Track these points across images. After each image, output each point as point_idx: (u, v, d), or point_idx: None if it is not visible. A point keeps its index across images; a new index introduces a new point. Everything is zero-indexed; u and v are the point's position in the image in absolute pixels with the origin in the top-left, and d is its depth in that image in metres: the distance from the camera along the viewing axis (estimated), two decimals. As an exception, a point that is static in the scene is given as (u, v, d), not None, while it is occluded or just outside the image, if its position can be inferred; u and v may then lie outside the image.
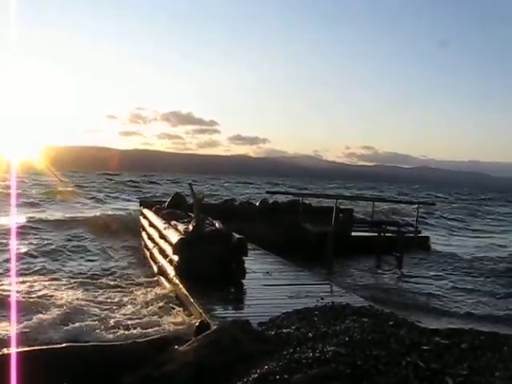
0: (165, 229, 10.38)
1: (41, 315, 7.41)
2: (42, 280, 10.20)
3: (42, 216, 21.09)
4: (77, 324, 7.14)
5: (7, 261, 11.80)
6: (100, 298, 8.80)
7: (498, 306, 10.43)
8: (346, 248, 14.21)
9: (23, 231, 16.71)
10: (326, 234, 13.30)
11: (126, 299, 8.66)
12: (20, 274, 10.56)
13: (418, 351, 4.20)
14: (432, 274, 13.56)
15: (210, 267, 8.31)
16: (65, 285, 9.83)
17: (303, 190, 56.45)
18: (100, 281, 10.39)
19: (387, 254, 14.97)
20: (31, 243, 14.83)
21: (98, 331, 6.83)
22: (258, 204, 17.91)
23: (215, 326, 5.09)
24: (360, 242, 15.74)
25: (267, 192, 24.25)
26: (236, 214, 15.01)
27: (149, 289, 9.49)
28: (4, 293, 8.76)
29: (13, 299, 8.24)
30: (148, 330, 6.82)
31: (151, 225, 12.64)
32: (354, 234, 16.34)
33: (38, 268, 11.40)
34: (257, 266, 9.84)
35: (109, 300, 8.67)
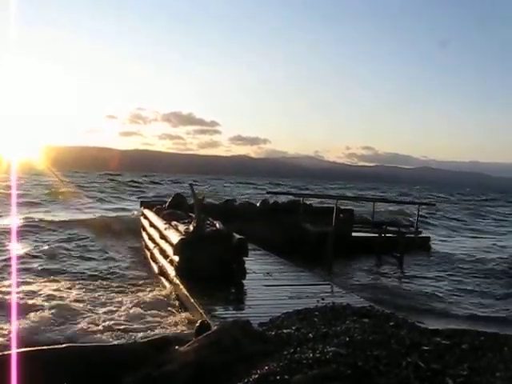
0: (165, 229, 10.38)
1: (41, 316, 7.40)
2: (42, 281, 10.19)
3: (43, 217, 21.09)
4: (77, 325, 7.14)
5: (7, 261, 11.80)
6: (100, 299, 8.79)
7: (499, 306, 10.41)
8: (347, 248, 14.20)
9: (23, 232, 16.72)
10: (326, 235, 13.30)
11: (126, 300, 8.65)
12: (20, 274, 10.55)
13: (418, 352, 4.20)
14: (432, 274, 13.54)
15: (210, 268, 8.31)
16: (65, 285, 9.81)
17: (304, 191, 56.44)
18: (100, 281, 10.38)
19: (387, 254, 14.96)
20: (31, 244, 14.84)
21: (98, 332, 6.83)
22: (258, 204, 17.90)
23: (216, 327, 5.08)
24: (360, 242, 15.73)
25: (268, 192, 24.27)
26: (236, 215, 15.01)
27: (149, 289, 9.49)
28: (4, 294, 8.75)
29: (13, 300, 8.24)
30: (148, 331, 6.82)
31: (152, 225, 12.65)
32: (354, 234, 16.34)
33: (38, 269, 11.40)
34: (257, 267, 9.84)
35: (109, 300, 8.66)
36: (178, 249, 8.72)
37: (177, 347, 4.49)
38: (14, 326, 6.78)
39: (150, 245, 12.28)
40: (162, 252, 10.38)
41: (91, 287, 9.71)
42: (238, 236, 8.93)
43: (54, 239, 15.98)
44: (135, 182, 61.65)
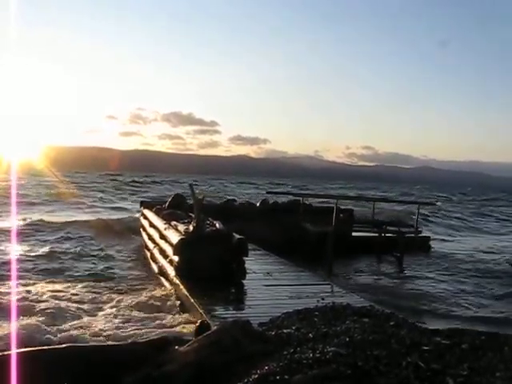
0: (165, 229, 10.37)
1: (40, 317, 7.40)
2: (41, 281, 10.20)
3: (43, 217, 21.08)
4: (77, 325, 7.14)
5: (7, 262, 11.79)
6: (100, 299, 8.79)
7: (499, 306, 10.42)
8: (347, 248, 14.19)
9: (24, 232, 16.72)
10: (326, 234, 13.29)
11: (126, 300, 8.64)
12: (20, 275, 10.55)
13: (418, 351, 4.20)
14: (432, 274, 13.54)
15: (210, 268, 8.31)
16: (64, 286, 9.81)
17: (305, 191, 56.38)
18: (100, 282, 10.37)
19: (387, 254, 14.96)
20: (31, 244, 14.84)
21: (98, 332, 6.82)
22: (258, 204, 17.90)
23: (216, 327, 5.08)
24: (360, 242, 15.74)
25: (267, 192, 24.26)
26: (236, 215, 15.01)
27: (149, 289, 9.48)
28: (3, 294, 8.75)
29: (12, 301, 8.23)
30: (148, 331, 6.81)
31: (152, 225, 12.64)
32: (354, 234, 16.34)
33: (38, 269, 11.41)
34: (257, 267, 9.84)
35: (109, 301, 8.65)
36: (177, 249, 8.71)
37: (177, 347, 4.49)
38: (14, 326, 6.78)
39: (150, 245, 12.28)
40: (162, 252, 10.38)
41: (91, 287, 9.71)
42: (237, 236, 8.92)
43: (54, 240, 15.98)
44: (136, 181, 61.62)
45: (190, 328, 6.52)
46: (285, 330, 5.01)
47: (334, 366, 3.76)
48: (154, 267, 10.91)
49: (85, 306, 8.26)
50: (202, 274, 8.14)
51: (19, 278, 10.21)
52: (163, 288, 9.34)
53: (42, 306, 8.04)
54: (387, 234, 15.44)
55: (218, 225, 9.73)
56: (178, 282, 8.43)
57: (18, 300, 8.28)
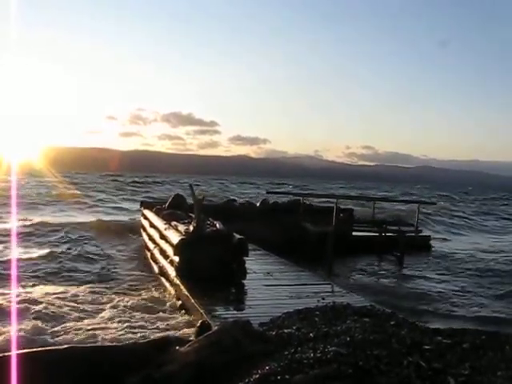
0: (165, 229, 10.37)
1: (41, 318, 7.40)
2: (42, 283, 10.20)
3: (43, 218, 21.06)
4: (77, 326, 7.14)
5: (7, 263, 11.78)
6: (101, 300, 8.79)
7: (500, 306, 10.41)
8: (347, 248, 14.21)
9: (24, 233, 16.71)
10: (326, 234, 13.30)
11: (126, 300, 8.64)
12: (20, 276, 10.54)
13: (419, 351, 4.19)
14: (432, 273, 13.54)
15: (210, 268, 8.31)
16: (65, 287, 9.82)
17: (306, 191, 56.34)
18: (101, 283, 10.38)
19: (388, 253, 14.96)
20: (32, 246, 14.84)
21: (98, 333, 6.82)
22: (258, 204, 17.90)
23: (216, 327, 5.08)
24: (360, 241, 15.74)
25: (267, 192, 24.26)
26: (236, 215, 15.01)
27: (149, 290, 9.49)
28: (3, 295, 8.74)
29: (13, 302, 8.22)
30: (149, 331, 6.81)
31: (152, 225, 12.64)
32: (354, 233, 16.35)
33: (38, 271, 11.39)
34: (257, 267, 9.84)
35: (109, 302, 8.65)
36: (178, 249, 8.71)
37: (177, 347, 4.49)
38: (14, 328, 6.78)
39: (150, 245, 12.28)
40: (162, 252, 10.37)
41: (91, 288, 9.71)
42: (238, 236, 8.92)
43: (54, 240, 15.97)
44: (137, 182, 61.63)
45: (191, 328, 6.52)
46: (285, 330, 5.01)
47: (335, 366, 3.75)
48: (155, 267, 10.91)
49: (85, 307, 8.26)
50: (202, 274, 8.14)
51: (19, 279, 10.19)
52: (164, 288, 9.34)
53: (43, 307, 8.03)
54: (387, 234, 15.44)
55: (218, 225, 9.73)
56: (178, 282, 8.43)
57: (18, 302, 8.27)
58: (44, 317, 7.49)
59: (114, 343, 6.04)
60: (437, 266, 14.63)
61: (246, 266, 8.74)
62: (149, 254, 12.33)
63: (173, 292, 8.69)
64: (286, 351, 4.24)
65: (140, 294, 9.13)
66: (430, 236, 18.57)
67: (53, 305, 8.23)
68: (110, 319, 7.51)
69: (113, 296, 9.09)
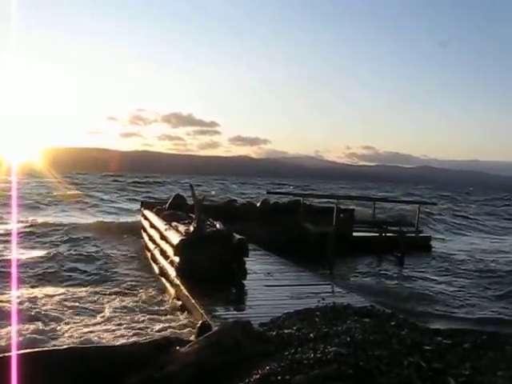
0: (166, 230, 10.37)
1: (41, 319, 7.39)
2: (42, 284, 10.20)
3: (44, 219, 21.08)
4: (78, 327, 7.13)
5: (7, 264, 11.78)
6: (101, 300, 8.79)
7: (500, 306, 10.40)
8: (347, 248, 14.21)
9: (24, 234, 16.72)
10: (326, 235, 13.30)
11: (127, 301, 8.64)
12: (20, 277, 10.54)
13: (420, 351, 4.19)
14: (433, 274, 13.53)
15: (211, 268, 8.31)
16: (65, 288, 9.82)
17: (307, 191, 56.31)
18: (101, 283, 10.38)
19: (388, 254, 14.96)
20: (32, 246, 14.84)
21: (98, 333, 6.82)
22: (258, 205, 17.89)
23: (216, 327, 5.08)
24: (361, 242, 15.74)
25: (268, 192, 24.27)
26: (237, 215, 15.00)
27: (150, 290, 9.49)
28: (3, 296, 8.74)
29: (13, 303, 8.22)
30: (149, 332, 6.81)
31: (152, 226, 12.64)
32: (355, 234, 16.34)
33: (38, 271, 11.38)
34: (258, 267, 9.83)
35: (110, 302, 8.65)
36: (178, 249, 8.71)
37: (178, 348, 4.48)
38: (14, 329, 6.78)
39: (151, 245, 12.28)
40: (163, 253, 10.37)
41: (92, 289, 9.71)
42: (238, 236, 8.92)
43: (55, 241, 15.98)
44: (138, 182, 61.65)
45: (191, 329, 6.52)
46: (286, 331, 5.01)
47: (336, 366, 3.75)
48: (155, 268, 10.91)
49: (85, 307, 8.26)
50: (202, 274, 8.14)
51: (19, 280, 10.19)
52: (164, 289, 9.34)
53: (43, 307, 8.04)
54: (388, 234, 15.43)
55: (218, 225, 9.73)
56: (178, 282, 8.43)
57: (19, 303, 8.26)
58: (44, 317, 7.48)
59: (114, 344, 6.04)
60: (437, 267, 14.61)
61: (247, 266, 8.74)
62: (149, 255, 12.34)
63: (173, 292, 8.69)
64: (286, 351, 4.24)
65: (140, 295, 9.13)
66: (430, 236, 18.57)
67: (53, 305, 8.24)
68: (110, 319, 7.51)
69: (113, 296, 9.09)
